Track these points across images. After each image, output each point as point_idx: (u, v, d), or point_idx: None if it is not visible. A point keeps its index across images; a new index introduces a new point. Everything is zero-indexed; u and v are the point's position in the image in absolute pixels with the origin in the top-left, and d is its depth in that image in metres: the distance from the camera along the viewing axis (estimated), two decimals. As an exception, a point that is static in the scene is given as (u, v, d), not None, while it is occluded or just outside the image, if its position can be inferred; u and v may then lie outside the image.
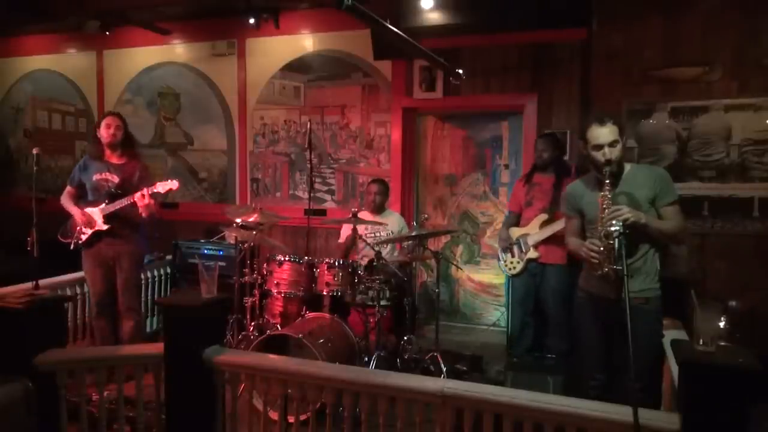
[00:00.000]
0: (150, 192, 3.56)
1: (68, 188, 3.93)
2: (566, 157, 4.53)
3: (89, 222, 3.70)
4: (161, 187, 3.55)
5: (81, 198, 3.87)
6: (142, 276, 4.60)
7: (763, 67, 3.90)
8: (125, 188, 3.72)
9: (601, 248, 2.47)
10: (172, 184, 3.56)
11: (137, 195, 3.56)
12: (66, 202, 3.88)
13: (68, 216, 3.86)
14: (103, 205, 3.70)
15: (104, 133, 3.75)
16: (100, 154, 3.81)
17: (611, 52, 4.25)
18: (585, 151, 2.65)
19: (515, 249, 4.11)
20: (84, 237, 3.74)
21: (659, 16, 4.11)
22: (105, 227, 3.69)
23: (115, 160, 3.82)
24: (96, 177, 3.77)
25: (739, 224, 4.01)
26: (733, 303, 3.73)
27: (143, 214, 3.63)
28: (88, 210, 3.74)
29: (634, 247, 2.56)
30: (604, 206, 2.46)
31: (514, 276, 4.17)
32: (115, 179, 3.75)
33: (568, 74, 4.65)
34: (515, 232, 4.15)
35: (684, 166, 4.10)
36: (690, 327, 2.57)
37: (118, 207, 3.65)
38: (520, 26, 4.48)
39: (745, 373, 1.81)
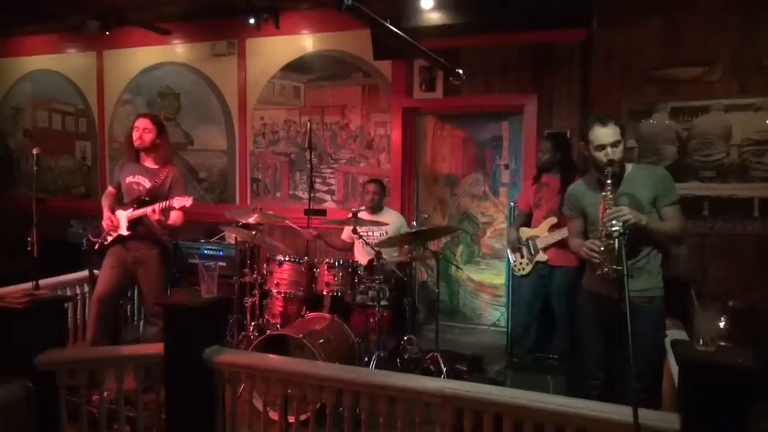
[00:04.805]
0: (162, 207, 3.48)
1: (109, 188, 3.89)
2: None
3: (114, 226, 3.65)
4: (177, 203, 3.46)
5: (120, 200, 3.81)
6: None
7: (763, 67, 3.91)
8: (156, 195, 3.62)
9: (602, 248, 2.47)
10: (187, 201, 3.47)
11: (149, 209, 3.50)
12: (103, 201, 3.84)
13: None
14: (130, 210, 3.62)
15: (133, 135, 3.66)
16: (135, 156, 3.72)
17: (611, 52, 4.25)
18: (587, 151, 2.65)
19: (524, 250, 4.07)
20: (109, 239, 3.70)
21: (659, 16, 4.12)
22: (127, 233, 3.63)
23: (149, 163, 3.72)
24: (128, 179, 3.70)
25: (739, 224, 4.01)
26: (732, 303, 3.73)
27: (155, 226, 3.57)
28: (118, 213, 3.68)
29: (637, 247, 2.56)
30: (606, 207, 2.46)
31: (523, 276, 4.15)
32: (147, 184, 3.67)
33: (568, 74, 4.64)
34: (525, 232, 4.11)
35: (684, 167, 4.10)
36: (690, 327, 2.57)
37: (141, 215, 3.57)
38: (520, 26, 4.47)
39: (745, 373, 1.81)
